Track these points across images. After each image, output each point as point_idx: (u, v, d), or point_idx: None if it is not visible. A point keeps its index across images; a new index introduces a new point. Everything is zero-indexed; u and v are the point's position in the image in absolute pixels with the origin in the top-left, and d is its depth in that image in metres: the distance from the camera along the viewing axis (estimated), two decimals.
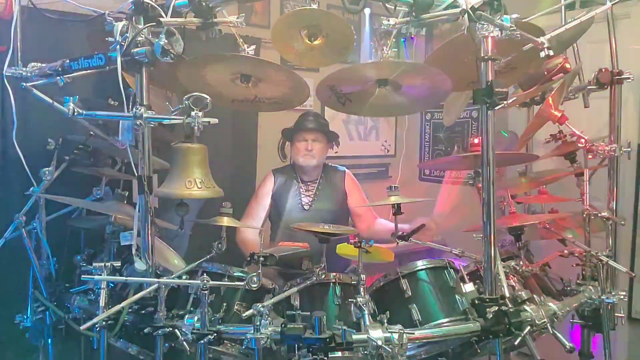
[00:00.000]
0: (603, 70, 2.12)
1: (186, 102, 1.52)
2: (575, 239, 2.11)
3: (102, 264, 1.63)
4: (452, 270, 1.85)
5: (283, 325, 1.49)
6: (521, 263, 1.95)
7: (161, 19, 1.52)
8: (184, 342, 1.55)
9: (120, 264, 1.69)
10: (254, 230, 2.66)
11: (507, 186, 2.33)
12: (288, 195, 2.74)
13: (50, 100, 1.57)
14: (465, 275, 1.81)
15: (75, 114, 1.50)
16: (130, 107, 1.55)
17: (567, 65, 2.17)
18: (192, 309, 1.70)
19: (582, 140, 2.07)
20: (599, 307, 1.97)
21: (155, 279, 1.57)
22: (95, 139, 2.07)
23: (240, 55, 1.84)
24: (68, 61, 1.62)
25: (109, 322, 1.61)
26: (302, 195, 2.74)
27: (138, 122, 1.52)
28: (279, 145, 2.86)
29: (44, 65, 1.66)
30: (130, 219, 1.69)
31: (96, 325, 1.58)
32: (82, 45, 2.38)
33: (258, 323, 1.48)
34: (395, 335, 1.49)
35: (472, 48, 1.58)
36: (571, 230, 2.24)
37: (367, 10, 2.26)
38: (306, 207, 2.72)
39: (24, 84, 1.62)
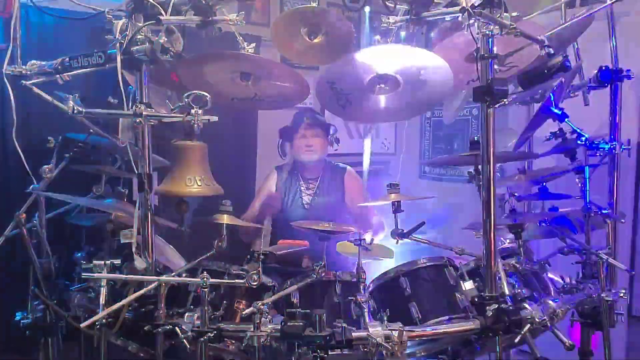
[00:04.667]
0: (603, 68, 2.11)
1: (186, 100, 1.52)
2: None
3: (102, 262, 1.63)
4: (451, 268, 1.85)
5: (283, 323, 1.49)
6: (521, 261, 1.95)
7: (161, 17, 1.52)
8: (184, 340, 1.55)
9: (120, 262, 1.69)
10: (254, 219, 2.64)
11: (507, 184, 2.33)
12: (289, 193, 2.75)
13: (50, 98, 1.56)
14: (465, 273, 1.81)
15: (75, 112, 1.50)
16: (130, 105, 1.55)
17: (567, 64, 2.17)
18: (192, 306, 1.71)
19: (582, 138, 2.07)
20: (599, 305, 1.98)
21: (155, 277, 1.57)
22: (95, 137, 2.06)
23: (239, 53, 1.84)
24: (68, 59, 1.61)
25: (109, 319, 1.61)
26: (304, 193, 2.74)
27: (138, 120, 1.52)
28: (279, 144, 2.86)
29: (43, 63, 1.66)
30: (130, 217, 1.69)
31: (96, 323, 1.58)
32: (81, 43, 2.39)
33: (258, 321, 1.48)
34: (395, 333, 1.49)
35: (472, 46, 1.59)
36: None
37: (367, 8, 2.27)
38: (306, 206, 2.73)
39: (24, 82, 1.62)
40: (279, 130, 2.81)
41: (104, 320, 1.60)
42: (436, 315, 1.74)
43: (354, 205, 2.79)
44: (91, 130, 1.98)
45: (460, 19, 1.54)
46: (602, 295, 1.95)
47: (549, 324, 1.66)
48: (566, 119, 2.07)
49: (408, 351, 1.56)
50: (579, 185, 2.12)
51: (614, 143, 2.09)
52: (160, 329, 1.58)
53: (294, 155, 2.76)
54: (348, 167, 2.90)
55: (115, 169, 2.22)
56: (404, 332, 1.50)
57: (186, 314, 1.59)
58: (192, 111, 1.51)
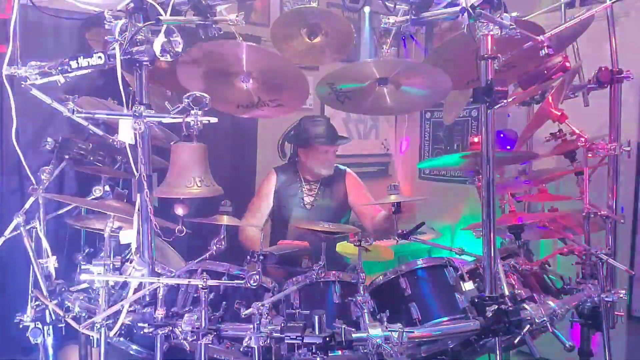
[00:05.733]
0: (603, 68, 2.11)
1: (186, 101, 1.52)
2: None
3: (102, 263, 1.63)
4: (451, 269, 1.85)
5: (283, 324, 1.49)
6: (521, 261, 1.95)
7: (160, 18, 1.52)
8: (184, 341, 1.55)
9: (119, 263, 1.69)
10: (257, 227, 2.65)
11: (507, 185, 2.33)
12: (290, 194, 2.74)
13: (50, 100, 1.56)
14: (465, 274, 1.81)
15: (75, 113, 1.50)
16: (129, 106, 1.55)
17: (567, 64, 2.17)
18: (191, 307, 1.70)
19: (582, 139, 2.07)
20: (599, 306, 1.97)
21: (155, 278, 1.57)
22: (94, 138, 2.06)
23: (239, 42, 1.83)
24: (67, 60, 1.61)
25: (109, 321, 1.61)
26: (305, 195, 2.74)
27: (137, 121, 1.52)
28: (279, 145, 2.86)
29: (43, 64, 1.65)
30: (130, 218, 1.69)
31: (96, 324, 1.58)
32: (81, 43, 2.38)
33: (258, 322, 1.48)
34: (395, 334, 1.49)
35: (472, 46, 1.58)
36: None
37: (366, 9, 2.27)
38: (308, 207, 2.72)
39: (24, 83, 1.62)
40: (295, 138, 2.77)
41: (103, 322, 1.60)
42: (436, 316, 1.74)
43: (359, 203, 2.79)
44: (91, 131, 1.99)
45: (460, 19, 1.54)
46: (601, 295, 1.95)
47: (548, 325, 1.66)
48: (566, 120, 2.07)
49: (408, 352, 1.56)
50: (579, 186, 2.12)
51: (613, 144, 2.08)
52: (159, 330, 1.58)
53: (311, 165, 2.74)
54: (347, 169, 2.90)
55: (115, 170, 2.22)
56: (404, 332, 1.50)
57: (185, 315, 1.59)
58: (192, 112, 1.51)
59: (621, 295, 1.97)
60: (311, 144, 2.70)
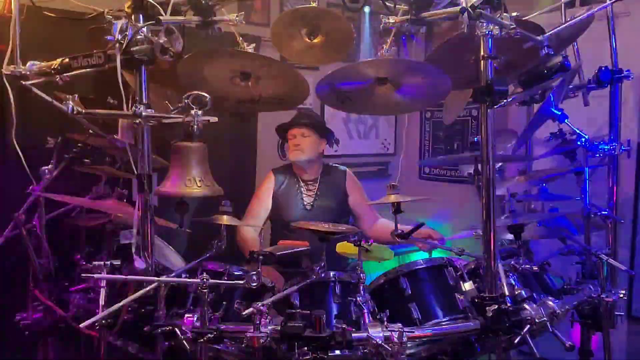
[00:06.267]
0: (603, 68, 2.11)
1: (186, 100, 1.52)
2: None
3: (102, 263, 1.63)
4: (452, 269, 1.85)
5: (283, 324, 1.49)
6: (521, 261, 1.95)
7: (160, 17, 1.52)
8: (184, 341, 1.55)
9: (119, 263, 1.69)
10: (253, 229, 2.65)
11: (507, 185, 2.33)
12: (289, 195, 2.74)
13: (50, 99, 1.56)
14: (465, 274, 1.81)
15: (75, 112, 1.50)
16: (129, 105, 1.55)
17: (567, 64, 2.17)
18: (191, 307, 1.70)
19: (582, 139, 2.07)
20: (599, 306, 1.98)
21: (155, 278, 1.57)
22: (94, 138, 2.06)
23: (238, 51, 1.83)
24: (67, 59, 1.61)
25: (109, 320, 1.61)
26: (304, 195, 2.74)
27: (137, 121, 1.52)
28: (279, 145, 2.86)
29: (43, 63, 1.65)
30: (130, 218, 1.69)
31: (96, 324, 1.58)
32: (81, 43, 2.39)
33: (258, 322, 1.48)
34: (395, 334, 1.49)
35: (472, 46, 1.58)
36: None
37: (366, 9, 2.27)
38: (308, 207, 2.72)
39: (24, 82, 1.62)
40: (276, 131, 2.81)
41: (103, 321, 1.60)
42: (436, 316, 1.74)
43: (359, 206, 2.79)
44: (91, 131, 1.99)
45: (460, 19, 1.54)
46: (602, 296, 1.95)
47: (548, 325, 1.66)
48: (566, 120, 2.07)
49: (408, 352, 1.56)
50: (579, 186, 2.12)
51: (613, 144, 2.08)
52: (159, 330, 1.58)
53: (287, 155, 2.76)
54: (347, 169, 2.90)
55: (114, 169, 2.22)
56: (404, 333, 1.50)
57: (186, 315, 1.59)
58: (192, 112, 1.51)
59: (621, 295, 1.97)
60: (285, 133, 2.73)
